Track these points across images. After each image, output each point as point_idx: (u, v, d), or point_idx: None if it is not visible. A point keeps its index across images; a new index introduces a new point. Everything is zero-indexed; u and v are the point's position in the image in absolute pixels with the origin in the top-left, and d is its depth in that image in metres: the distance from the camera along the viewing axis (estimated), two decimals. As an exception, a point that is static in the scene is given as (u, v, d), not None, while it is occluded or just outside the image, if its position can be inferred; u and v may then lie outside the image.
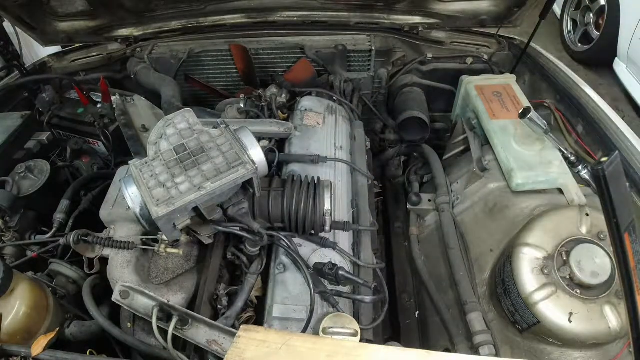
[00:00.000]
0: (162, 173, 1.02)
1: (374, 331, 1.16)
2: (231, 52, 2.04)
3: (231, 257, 1.28)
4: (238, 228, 1.14)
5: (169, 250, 1.19)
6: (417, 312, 1.61)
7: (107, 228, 1.30)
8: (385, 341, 1.22)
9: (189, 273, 1.27)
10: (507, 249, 1.34)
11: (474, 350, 1.25)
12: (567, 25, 4.46)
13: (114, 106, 1.71)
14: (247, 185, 1.10)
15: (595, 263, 1.13)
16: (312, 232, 1.24)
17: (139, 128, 1.71)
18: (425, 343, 1.50)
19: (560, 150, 1.46)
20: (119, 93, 1.79)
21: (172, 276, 1.23)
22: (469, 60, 2.10)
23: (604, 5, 3.87)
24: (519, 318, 1.22)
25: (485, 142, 1.68)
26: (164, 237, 1.17)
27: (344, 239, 1.32)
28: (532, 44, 1.92)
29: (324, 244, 1.24)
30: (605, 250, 1.15)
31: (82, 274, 1.28)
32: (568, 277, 1.15)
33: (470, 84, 1.84)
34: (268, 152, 1.46)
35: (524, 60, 1.97)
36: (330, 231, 1.25)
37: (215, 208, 1.08)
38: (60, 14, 1.91)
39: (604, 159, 0.53)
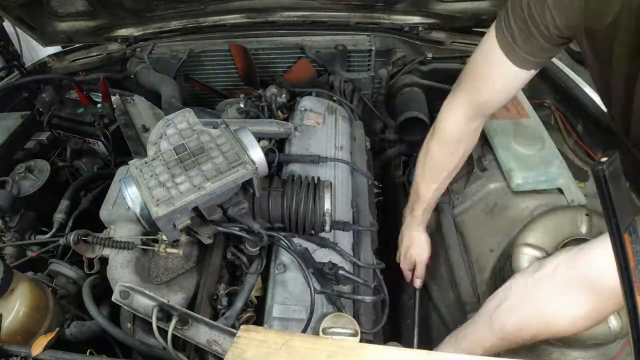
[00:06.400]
0: (162, 173, 1.02)
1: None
2: (231, 52, 2.04)
3: (231, 257, 1.28)
4: (238, 228, 1.14)
5: (169, 250, 1.18)
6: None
7: (107, 228, 1.29)
8: (385, 341, 1.22)
9: (189, 273, 1.27)
10: (507, 249, 1.34)
11: (474, 350, 1.25)
12: (567, 25, 4.47)
13: (114, 106, 1.71)
14: (247, 185, 1.10)
15: (595, 263, 1.13)
16: (312, 232, 1.24)
17: (139, 128, 1.70)
18: (425, 343, 1.50)
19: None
20: (119, 93, 1.78)
21: (172, 276, 1.23)
22: (469, 60, 2.10)
23: (604, 5, 3.88)
24: (519, 318, 1.22)
25: (485, 142, 1.68)
26: (164, 237, 1.17)
27: (344, 239, 1.32)
28: (532, 44, 1.91)
29: (324, 244, 1.24)
30: (605, 251, 1.15)
31: (82, 274, 1.27)
32: (568, 277, 1.15)
33: (470, 84, 1.84)
34: (268, 152, 1.46)
35: (524, 61, 1.97)
36: (330, 231, 1.25)
37: (215, 208, 1.08)
38: (60, 14, 1.91)
39: (604, 159, 0.53)
